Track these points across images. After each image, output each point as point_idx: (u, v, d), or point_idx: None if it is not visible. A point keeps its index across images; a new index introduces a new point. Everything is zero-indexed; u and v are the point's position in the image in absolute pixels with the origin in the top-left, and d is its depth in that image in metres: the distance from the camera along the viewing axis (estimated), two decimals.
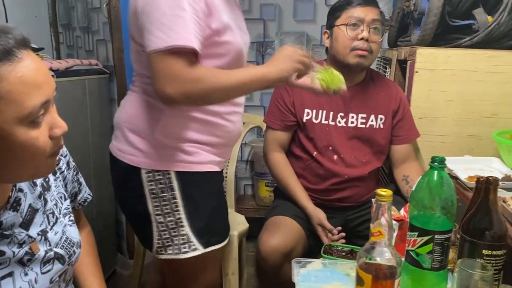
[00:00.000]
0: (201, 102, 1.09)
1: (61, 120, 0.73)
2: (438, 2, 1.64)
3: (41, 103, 0.67)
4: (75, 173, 1.01)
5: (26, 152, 0.68)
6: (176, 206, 1.15)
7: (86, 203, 1.07)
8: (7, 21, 2.00)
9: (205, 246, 1.18)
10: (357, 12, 1.52)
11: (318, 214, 1.55)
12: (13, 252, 0.77)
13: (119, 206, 2.23)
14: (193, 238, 1.16)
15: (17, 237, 0.79)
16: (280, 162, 1.66)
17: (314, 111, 1.60)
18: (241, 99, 1.25)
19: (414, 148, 1.70)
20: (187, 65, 0.99)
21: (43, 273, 0.83)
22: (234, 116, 1.23)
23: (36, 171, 0.73)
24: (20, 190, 0.81)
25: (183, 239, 1.16)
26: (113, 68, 2.03)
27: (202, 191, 1.18)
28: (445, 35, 1.77)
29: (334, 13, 1.59)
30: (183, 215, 1.15)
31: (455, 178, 1.39)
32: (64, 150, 0.97)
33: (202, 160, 1.17)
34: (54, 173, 0.93)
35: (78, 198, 1.04)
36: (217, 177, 1.25)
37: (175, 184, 1.14)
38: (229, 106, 1.20)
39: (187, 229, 1.16)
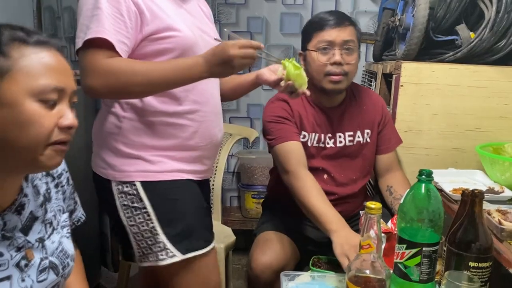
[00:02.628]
0: (125, 94, 1.11)
1: (74, 116, 0.78)
2: (422, 18, 1.68)
3: (55, 86, 0.73)
4: (72, 190, 1.02)
5: (30, 127, 0.72)
6: (148, 215, 1.16)
7: (79, 223, 1.07)
8: None
9: (184, 253, 1.17)
10: (328, 35, 1.45)
11: (349, 248, 1.18)
12: (11, 255, 0.79)
13: (102, 219, 2.22)
14: (169, 245, 1.17)
15: (17, 240, 0.80)
16: (311, 185, 1.41)
17: (309, 134, 1.56)
18: (204, 97, 1.22)
19: (397, 157, 1.71)
20: (106, 57, 1.05)
21: (38, 282, 0.83)
22: (199, 115, 1.20)
23: (34, 160, 0.75)
24: (26, 195, 0.84)
25: (159, 247, 1.17)
26: None
27: (172, 200, 1.19)
28: (429, 50, 1.81)
29: (305, 35, 1.54)
30: (156, 223, 1.17)
31: (440, 190, 1.41)
32: (65, 166, 0.98)
33: (167, 168, 1.19)
34: (56, 186, 0.95)
35: (73, 216, 1.04)
36: (189, 185, 1.23)
37: (142, 194, 1.16)
38: (189, 105, 1.19)
39: (162, 237, 1.17)
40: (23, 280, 0.80)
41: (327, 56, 1.46)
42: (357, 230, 1.11)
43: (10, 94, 0.70)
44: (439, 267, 1.06)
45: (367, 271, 0.91)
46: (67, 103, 0.77)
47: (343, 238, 1.20)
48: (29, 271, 0.81)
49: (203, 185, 1.35)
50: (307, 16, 2.61)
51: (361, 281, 0.90)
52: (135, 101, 1.16)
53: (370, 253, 0.90)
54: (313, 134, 1.56)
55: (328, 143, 1.57)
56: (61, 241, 0.91)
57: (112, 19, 1.06)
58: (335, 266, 1.34)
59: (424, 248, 0.95)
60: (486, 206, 1.18)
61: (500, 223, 1.11)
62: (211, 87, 1.27)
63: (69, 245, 0.93)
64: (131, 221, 1.17)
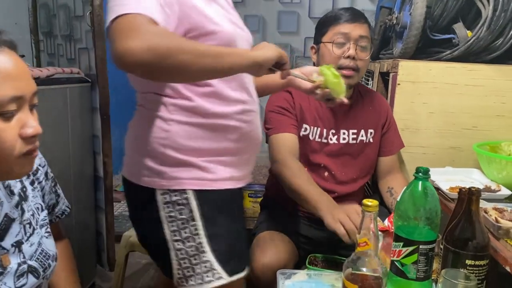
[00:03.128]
0: (168, 64, 0.87)
1: (36, 122, 0.73)
2: (419, 16, 1.68)
3: (12, 96, 0.67)
4: (53, 184, 0.99)
5: None
6: (196, 229, 1.02)
7: (64, 215, 1.04)
8: None
9: (230, 274, 1.04)
10: (344, 28, 1.47)
11: (339, 211, 1.26)
12: None
13: (98, 218, 2.21)
14: (216, 265, 1.03)
15: None
16: (301, 171, 1.44)
17: (311, 128, 1.57)
18: (249, 96, 1.13)
19: (399, 160, 1.72)
20: (149, 22, 0.87)
21: None
22: (247, 115, 1.10)
23: (8, 170, 0.72)
24: None
25: (205, 267, 1.03)
26: (95, 77, 2.01)
27: (223, 211, 1.06)
28: (426, 49, 1.81)
29: (321, 29, 1.55)
30: (204, 239, 1.02)
31: (437, 189, 1.41)
32: (42, 160, 0.94)
33: (221, 176, 1.06)
34: (32, 183, 0.90)
35: (56, 210, 1.01)
36: (238, 195, 1.14)
37: (193, 204, 1.02)
38: (238, 105, 1.08)
39: (209, 255, 1.02)
40: None
41: (341, 50, 1.48)
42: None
43: None
44: (436, 265, 1.06)
45: (364, 269, 0.90)
46: (27, 108, 0.72)
47: (330, 209, 1.25)
48: (5, 278, 0.78)
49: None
50: (304, 14, 2.60)
51: (357, 279, 0.90)
52: (183, 102, 1.03)
53: (367, 251, 0.89)
54: (315, 127, 1.55)
55: (331, 139, 1.57)
56: (40, 242, 0.87)
57: (157, 6, 0.90)
58: (331, 264, 1.34)
59: (421, 246, 0.95)
60: (483, 204, 1.18)
61: (497, 221, 1.11)
62: (252, 86, 1.17)
63: (49, 245, 0.89)
64: (175, 235, 1.02)
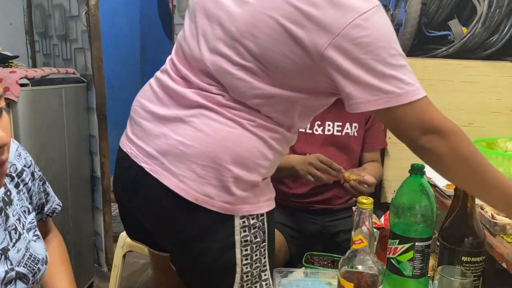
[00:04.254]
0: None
1: (1, 131, 0.65)
2: (415, 13, 1.68)
3: None
4: (41, 183, 0.94)
5: None
6: (264, 250, 0.99)
7: (55, 213, 0.99)
8: None
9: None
10: None
11: (309, 157, 1.46)
12: None
13: (95, 219, 2.20)
14: (270, 281, 1.01)
15: None
16: None
17: None
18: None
19: (379, 159, 1.76)
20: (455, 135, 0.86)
21: None
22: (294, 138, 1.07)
23: None
24: None
25: (266, 285, 1.01)
26: (91, 77, 2.00)
27: (273, 229, 1.04)
28: (422, 46, 1.81)
29: None
30: (267, 258, 1.00)
31: (433, 186, 1.41)
32: (28, 160, 0.90)
33: (273, 195, 1.04)
34: (17, 186, 0.86)
35: (46, 209, 0.97)
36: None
37: (266, 226, 0.98)
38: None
39: (268, 273, 1.01)
40: None
41: None
42: (346, 229, 1.10)
43: None
44: (432, 262, 1.06)
45: (360, 267, 0.90)
46: None
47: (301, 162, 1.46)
48: None
49: None
50: None
51: (353, 277, 0.90)
52: (286, 133, 0.98)
53: (362, 248, 0.89)
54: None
55: (316, 130, 1.62)
56: (28, 246, 0.83)
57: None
58: (328, 262, 1.34)
59: (416, 243, 0.95)
60: (479, 201, 1.17)
61: (493, 217, 1.11)
62: None
63: (38, 249, 0.85)
64: (247, 259, 0.97)
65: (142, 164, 0.95)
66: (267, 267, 1.00)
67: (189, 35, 0.98)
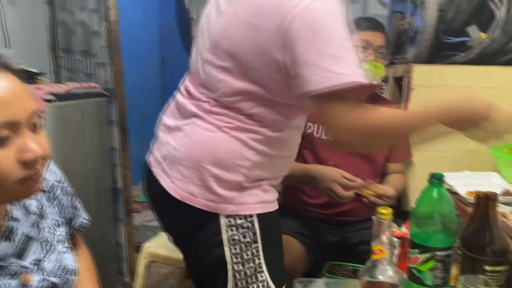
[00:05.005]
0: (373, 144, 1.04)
1: (37, 145, 0.69)
2: (432, 20, 1.67)
3: (4, 121, 0.65)
4: (71, 198, 0.98)
5: None
6: (257, 251, 1.03)
7: (83, 228, 1.03)
8: (8, 44, 2.04)
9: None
10: (366, 35, 1.56)
11: (334, 170, 1.45)
12: (6, 285, 0.75)
13: (117, 229, 2.25)
14: (271, 284, 1.04)
15: (10, 268, 0.76)
16: None
17: (316, 125, 1.61)
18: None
19: (404, 171, 1.74)
20: (353, 109, 0.91)
21: None
22: (295, 145, 1.15)
23: (7, 196, 0.71)
24: (14, 219, 0.80)
25: (262, 286, 1.04)
26: (112, 91, 2.05)
27: (276, 231, 1.09)
28: (440, 52, 1.79)
29: None
30: (262, 260, 1.03)
31: (454, 193, 1.39)
32: (59, 176, 0.94)
33: (274, 198, 1.08)
34: (49, 200, 0.91)
35: (73, 223, 1.01)
36: (277, 212, 1.12)
37: (257, 228, 1.02)
38: (295, 147, 1.14)
39: (266, 275, 1.03)
40: None
41: (362, 55, 1.54)
42: (367, 240, 1.10)
43: None
44: (454, 271, 1.04)
45: (380, 277, 0.90)
46: (26, 131, 0.69)
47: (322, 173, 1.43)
48: None
49: None
50: None
51: (374, 287, 0.90)
52: (272, 133, 1.02)
53: (382, 258, 0.89)
54: (320, 126, 1.60)
55: None
56: (59, 258, 0.87)
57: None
58: (349, 272, 1.33)
59: (437, 253, 0.94)
60: (502, 208, 1.16)
61: None
62: None
63: (69, 260, 0.89)
64: (237, 257, 1.02)
65: (152, 169, 1.08)
66: (264, 268, 1.03)
67: (194, 53, 1.09)
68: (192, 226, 1.04)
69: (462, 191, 1.40)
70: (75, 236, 1.06)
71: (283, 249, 1.12)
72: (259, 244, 1.02)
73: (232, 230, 1.01)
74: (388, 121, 0.96)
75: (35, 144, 0.69)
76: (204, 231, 1.02)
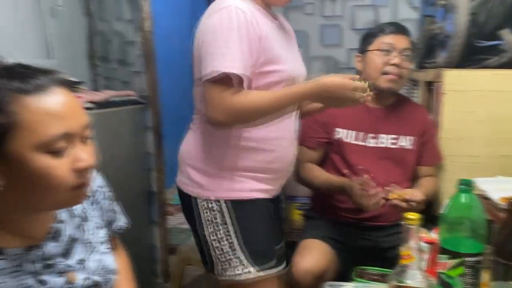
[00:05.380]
0: (246, 123, 1.22)
1: (88, 155, 0.76)
2: (463, 24, 1.66)
3: (61, 133, 0.71)
4: (111, 202, 1.05)
5: (43, 180, 0.71)
6: (228, 232, 1.25)
7: (122, 230, 1.10)
8: (50, 55, 2.14)
9: (258, 270, 1.25)
10: (389, 39, 1.59)
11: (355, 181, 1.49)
12: (54, 281, 0.81)
13: (152, 232, 2.31)
14: (245, 261, 1.25)
15: (58, 266, 0.82)
16: (312, 166, 1.67)
17: (345, 131, 1.64)
18: (289, 126, 1.32)
19: (436, 173, 1.73)
20: (232, 94, 1.13)
21: None
22: (282, 142, 1.30)
23: (60, 202, 0.77)
24: (60, 221, 0.86)
25: (237, 262, 1.25)
26: (147, 98, 2.13)
27: (251, 217, 1.27)
28: (472, 57, 1.77)
29: (366, 39, 1.66)
30: (234, 240, 1.25)
31: (487, 199, 1.38)
32: (101, 181, 1.01)
33: (248, 188, 1.27)
34: (92, 204, 0.97)
35: (113, 226, 1.07)
36: (266, 203, 1.31)
37: (225, 211, 1.25)
38: (276, 132, 1.27)
39: (239, 253, 1.25)
40: None
41: (387, 58, 1.58)
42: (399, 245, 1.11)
43: (17, 151, 0.68)
44: (485, 277, 1.04)
45: (409, 281, 0.91)
46: (80, 142, 0.75)
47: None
48: None
49: (276, 200, 1.42)
50: (347, 27, 2.62)
51: None
52: (219, 130, 1.25)
53: (411, 263, 0.90)
54: (350, 131, 1.62)
55: (369, 142, 1.63)
56: (101, 258, 0.93)
57: (243, 52, 1.12)
58: (379, 277, 1.34)
59: (467, 258, 0.94)
60: None
61: None
62: (293, 115, 1.35)
63: (109, 260, 0.95)
64: (213, 235, 1.27)
65: None
66: (237, 248, 1.25)
67: None
68: (187, 209, 1.32)
69: (495, 196, 1.38)
70: (114, 239, 1.12)
71: (268, 234, 1.30)
72: (229, 225, 1.25)
73: (207, 212, 1.27)
74: (253, 102, 1.15)
75: (86, 154, 0.76)
76: (192, 213, 1.29)
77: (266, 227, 1.30)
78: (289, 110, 1.26)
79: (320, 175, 1.64)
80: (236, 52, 1.11)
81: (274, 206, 1.38)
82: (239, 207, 1.26)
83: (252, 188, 1.27)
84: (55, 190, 0.73)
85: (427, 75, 1.88)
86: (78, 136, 0.75)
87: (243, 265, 1.24)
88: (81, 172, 0.75)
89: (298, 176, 1.70)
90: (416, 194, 1.45)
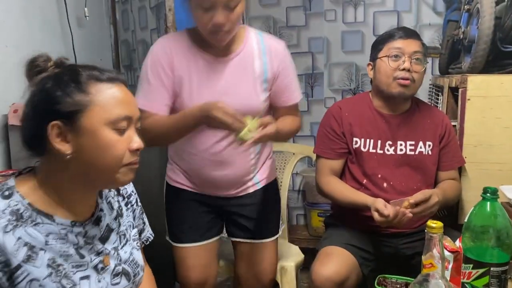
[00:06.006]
0: (156, 144, 1.41)
1: (140, 139, 0.90)
2: (488, 29, 1.64)
3: (125, 115, 0.87)
4: (141, 212, 1.13)
5: (105, 151, 0.85)
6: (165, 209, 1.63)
7: (148, 242, 1.17)
8: (76, 63, 2.20)
9: (172, 242, 1.61)
10: (398, 44, 1.56)
11: (376, 200, 1.48)
12: (91, 258, 0.92)
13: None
14: (168, 234, 1.61)
15: (96, 247, 0.94)
16: (333, 180, 1.66)
17: (363, 140, 1.63)
18: (205, 147, 1.44)
19: (458, 176, 1.69)
20: (145, 119, 1.32)
21: (112, 285, 0.95)
22: (191, 157, 1.48)
23: (114, 178, 0.89)
24: (101, 210, 0.97)
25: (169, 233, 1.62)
26: None
27: (174, 201, 1.59)
28: (498, 61, 1.75)
29: (376, 46, 1.64)
30: (166, 216, 1.61)
31: None
32: (132, 186, 1.09)
33: (178, 180, 1.55)
34: (126, 204, 1.06)
35: (142, 236, 1.13)
36: (188, 194, 1.55)
37: (165, 193, 1.61)
38: (192, 148, 1.46)
39: (167, 226, 1.61)
40: (99, 281, 0.92)
41: (397, 63, 1.56)
42: (421, 252, 1.10)
43: (91, 124, 0.84)
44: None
45: None
46: (134, 128, 0.90)
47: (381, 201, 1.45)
48: (104, 274, 0.94)
49: (237, 199, 1.56)
50: (369, 33, 2.61)
51: None
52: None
53: (433, 272, 0.89)
54: (367, 139, 1.62)
55: (388, 150, 1.62)
56: (132, 252, 1.02)
57: (152, 91, 1.38)
58: (401, 285, 1.32)
59: (492, 268, 0.93)
60: None
61: None
62: (212, 138, 1.42)
63: (139, 257, 1.05)
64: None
65: None
66: (167, 222, 1.62)
67: None
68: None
69: None
70: (141, 250, 1.15)
71: (183, 217, 1.56)
72: (165, 204, 1.61)
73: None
74: (153, 127, 1.33)
75: (139, 138, 0.90)
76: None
77: (184, 211, 1.56)
78: (190, 129, 1.36)
79: (343, 190, 1.62)
80: (142, 88, 1.39)
81: (222, 201, 1.55)
82: (170, 192, 1.59)
83: (180, 181, 1.55)
84: (111, 164, 0.86)
85: (451, 80, 1.85)
86: (134, 122, 0.90)
87: (168, 236, 1.62)
88: (134, 152, 0.88)
89: (319, 189, 1.71)
90: (420, 195, 1.43)
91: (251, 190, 1.55)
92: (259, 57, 1.43)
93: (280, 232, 1.65)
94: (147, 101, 1.36)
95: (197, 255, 1.58)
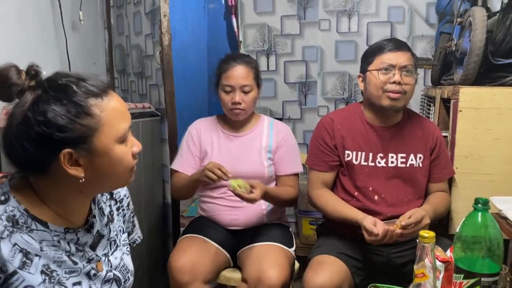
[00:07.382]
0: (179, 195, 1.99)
1: (137, 140, 0.93)
2: (480, 42, 1.66)
3: (128, 126, 0.89)
4: (132, 214, 1.13)
5: (120, 165, 0.87)
6: None
7: (135, 244, 1.18)
8: (70, 68, 2.19)
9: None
10: (388, 57, 1.56)
11: (365, 219, 1.50)
12: (83, 265, 0.92)
13: (165, 243, 2.34)
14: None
15: (88, 254, 0.94)
16: (325, 194, 1.68)
17: (354, 152, 1.63)
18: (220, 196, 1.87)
19: (447, 188, 1.72)
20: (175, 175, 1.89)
21: None
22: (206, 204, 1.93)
23: (121, 182, 0.93)
24: (94, 216, 0.97)
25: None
26: (164, 111, 2.16)
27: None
28: (489, 74, 1.77)
29: (367, 59, 1.64)
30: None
31: (504, 218, 1.36)
32: (126, 190, 1.10)
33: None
34: (118, 209, 1.07)
35: (130, 238, 1.14)
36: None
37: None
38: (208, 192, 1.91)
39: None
40: (90, 287, 0.93)
41: (387, 76, 1.56)
42: (412, 260, 1.11)
43: (103, 145, 0.84)
44: None
45: None
46: (130, 132, 0.92)
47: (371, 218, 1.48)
48: (95, 280, 0.94)
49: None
50: (362, 43, 2.64)
51: None
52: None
53: (425, 282, 0.90)
54: (359, 152, 1.62)
55: (379, 162, 1.62)
56: (122, 257, 1.03)
57: (186, 155, 1.89)
58: None
59: (483, 279, 0.93)
60: None
61: None
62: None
63: (129, 262, 1.05)
64: None
65: None
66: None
67: None
68: None
69: None
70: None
71: None
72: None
73: None
74: (177, 180, 1.91)
75: (137, 141, 0.93)
76: None
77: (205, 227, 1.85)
78: (195, 182, 1.78)
79: (334, 204, 1.64)
80: (179, 155, 1.92)
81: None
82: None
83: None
84: (123, 174, 0.90)
85: (443, 92, 1.87)
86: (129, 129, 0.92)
87: None
88: (135, 156, 0.92)
89: (310, 201, 1.73)
90: (413, 216, 1.45)
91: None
92: (267, 133, 1.87)
93: (291, 249, 1.77)
94: (179, 164, 1.89)
95: (199, 244, 1.73)
